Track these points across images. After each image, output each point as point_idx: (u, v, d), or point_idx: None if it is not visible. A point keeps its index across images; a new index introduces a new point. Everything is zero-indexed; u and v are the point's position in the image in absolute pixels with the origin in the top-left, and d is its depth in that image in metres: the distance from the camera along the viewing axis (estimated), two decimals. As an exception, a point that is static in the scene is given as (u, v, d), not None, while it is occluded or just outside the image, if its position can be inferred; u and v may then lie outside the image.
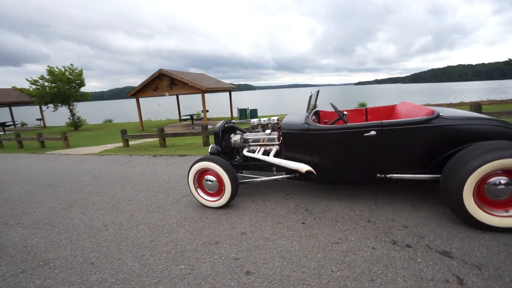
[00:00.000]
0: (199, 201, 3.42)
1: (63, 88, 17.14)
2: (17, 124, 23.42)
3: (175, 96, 20.34)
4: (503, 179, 2.26)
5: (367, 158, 2.76)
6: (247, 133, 3.77)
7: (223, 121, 3.86)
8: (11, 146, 11.69)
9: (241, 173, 3.92)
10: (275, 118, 3.60)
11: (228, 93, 20.29)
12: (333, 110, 3.69)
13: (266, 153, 3.46)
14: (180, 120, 20.69)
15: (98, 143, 11.31)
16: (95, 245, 2.78)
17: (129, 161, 6.68)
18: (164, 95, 16.20)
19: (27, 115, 31.54)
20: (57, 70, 17.40)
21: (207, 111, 21.44)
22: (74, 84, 18.01)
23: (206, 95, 15.78)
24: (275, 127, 3.62)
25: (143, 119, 25.46)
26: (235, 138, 3.60)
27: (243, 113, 18.66)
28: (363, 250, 2.26)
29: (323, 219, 2.82)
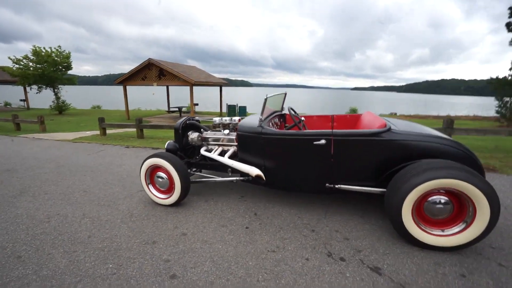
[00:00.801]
0: (150, 198, 3.33)
1: (48, 70, 16.63)
2: (0, 104, 22.67)
3: (170, 87, 20.03)
4: (443, 199, 2.25)
5: (316, 166, 2.71)
6: (208, 131, 3.69)
7: (185, 117, 3.76)
8: (-15, 126, 11.28)
9: (201, 172, 3.84)
10: (237, 118, 3.52)
11: (219, 88, 20.10)
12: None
13: (223, 153, 3.38)
14: (168, 111, 20.40)
15: (78, 129, 11.04)
16: (30, 238, 2.66)
17: (100, 150, 6.50)
18: (152, 85, 15.90)
19: (12, 95, 30.54)
20: (43, 51, 16.87)
21: (197, 104, 21.20)
22: (60, 67, 17.50)
23: (198, 88, 15.56)
24: (235, 127, 3.54)
25: (134, 108, 25.01)
26: (192, 136, 3.51)
27: (232, 109, 18.49)
28: (296, 260, 2.22)
29: (268, 225, 2.77)
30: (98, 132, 9.54)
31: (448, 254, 2.25)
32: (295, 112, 3.46)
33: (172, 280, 2.02)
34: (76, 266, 2.21)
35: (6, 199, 3.60)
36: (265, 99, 2.98)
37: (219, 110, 20.63)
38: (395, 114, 26.38)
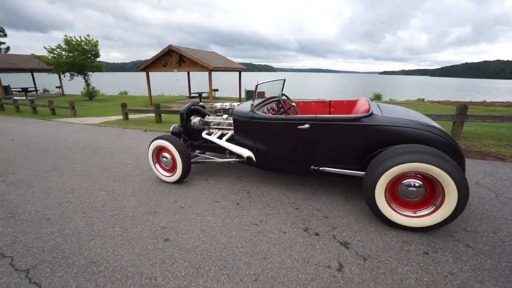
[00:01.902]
0: (157, 175, 3.73)
1: (79, 58, 17.76)
2: (38, 91, 24.68)
3: (193, 73, 20.55)
4: (416, 182, 2.36)
5: (301, 149, 2.90)
6: (210, 116, 3.96)
7: (190, 103, 4.06)
8: (26, 111, 12.52)
9: (204, 153, 4.16)
10: (237, 104, 3.75)
11: (238, 73, 20.24)
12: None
13: (223, 136, 3.66)
14: (189, 97, 21.01)
15: (105, 114, 11.89)
16: (57, 205, 3.17)
17: (120, 133, 7.10)
18: (173, 71, 16.44)
19: (50, 82, 33.00)
20: (74, 40, 17.96)
21: (217, 90, 21.58)
22: (89, 55, 18.57)
23: (219, 74, 15.84)
24: None
25: (158, 94, 26.02)
26: (194, 120, 3.81)
27: (250, 94, 18.62)
28: (274, 233, 2.48)
29: (257, 203, 3.05)
30: (121, 117, 10.25)
31: (418, 234, 2.39)
32: (288, 98, 3.61)
33: (165, 242, 2.39)
34: (91, 228, 2.65)
35: (40, 174, 4.20)
36: (256, 86, 3.16)
37: (238, 96, 20.87)
38: (423, 100, 24.91)
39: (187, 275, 2.00)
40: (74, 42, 17.81)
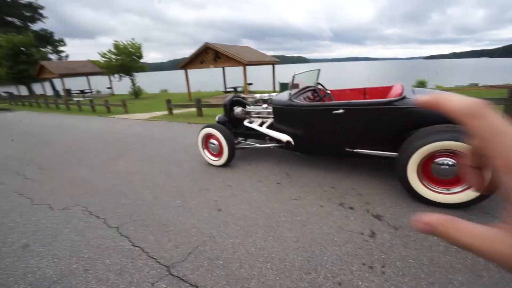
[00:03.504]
0: (205, 160, 4.25)
1: (126, 60, 19.52)
2: (93, 92, 27.66)
3: (227, 68, 21.34)
4: (449, 161, 2.48)
5: (336, 133, 3.14)
6: (251, 106, 4.36)
7: (232, 95, 4.49)
8: (87, 110, 14.30)
9: (246, 140, 4.58)
10: (274, 94, 4.08)
11: (272, 66, 20.45)
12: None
13: (262, 124, 4.03)
14: (225, 92, 21.82)
15: (150, 110, 13.08)
16: (127, 183, 3.85)
17: (168, 126, 7.90)
18: (209, 67, 17.25)
19: (100, 84, 36.62)
20: (121, 44, 19.76)
21: (251, 84, 22.06)
22: (134, 57, 20.29)
23: (253, 68, 16.24)
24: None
25: (195, 90, 27.41)
26: (237, 110, 4.23)
27: (283, 87, 18.74)
28: (312, 206, 2.80)
29: (295, 182, 3.38)
30: (166, 112, 11.22)
31: (451, 210, 2.51)
32: (323, 87, 3.83)
33: (219, 212, 2.85)
34: (158, 200, 3.23)
35: (110, 160, 5.02)
36: (293, 76, 3.45)
37: (272, 89, 21.12)
38: (476, 84, 22.59)
39: (239, 235, 2.43)
40: (121, 46, 19.59)
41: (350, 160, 3.86)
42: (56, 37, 41.02)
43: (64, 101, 15.86)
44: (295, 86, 3.54)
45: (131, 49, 19.97)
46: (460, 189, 2.46)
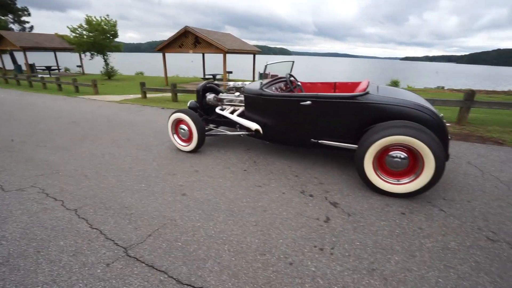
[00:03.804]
0: (175, 145, 4.20)
1: (99, 38, 18.33)
2: (60, 69, 25.72)
3: (208, 55, 20.78)
4: (402, 154, 2.68)
5: (303, 124, 3.25)
6: (224, 93, 4.34)
7: (205, 81, 4.44)
8: (52, 88, 13.32)
9: (218, 127, 4.58)
10: (248, 82, 4.10)
11: (253, 55, 20.27)
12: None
13: (234, 112, 4.04)
14: (204, 78, 21.35)
15: (123, 92, 12.50)
16: (92, 165, 3.72)
17: (140, 110, 7.63)
18: (188, 52, 16.73)
19: (70, 61, 34.10)
20: (94, 20, 18.47)
21: (231, 72, 21.77)
22: (108, 35, 19.10)
23: (235, 56, 15.97)
24: None
25: (173, 75, 26.50)
26: (209, 97, 4.20)
27: (262, 77, 18.76)
28: (274, 193, 2.91)
29: (261, 170, 3.46)
30: (138, 95, 10.80)
31: (400, 199, 2.74)
32: (295, 78, 3.91)
33: (183, 196, 2.87)
34: (121, 184, 3.17)
35: (74, 142, 4.78)
36: (265, 66, 3.48)
37: (252, 78, 21.00)
38: (442, 87, 24.14)
39: (200, 219, 2.47)
40: (94, 22, 18.33)
41: (317, 150, 4.02)
42: (19, 5, 37.30)
43: (26, 77, 14.62)
44: (266, 75, 3.58)
45: (105, 27, 18.75)
46: (407, 180, 2.68)
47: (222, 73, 22.19)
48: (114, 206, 2.69)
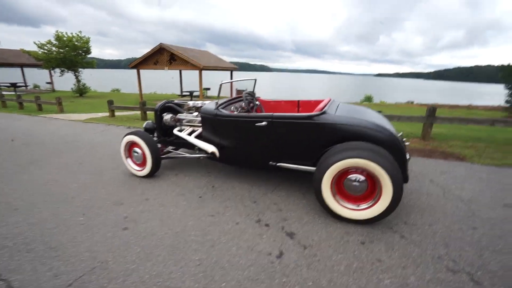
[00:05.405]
0: (129, 170, 3.86)
1: (69, 54, 17.68)
2: (28, 86, 24.42)
3: (188, 72, 20.59)
4: (360, 177, 2.54)
5: (260, 145, 3.06)
6: (183, 113, 4.11)
7: (164, 100, 4.20)
8: (13, 106, 12.47)
9: (177, 149, 4.30)
10: (208, 102, 3.90)
11: (230, 72, 20.36)
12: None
13: (193, 133, 3.80)
14: (181, 95, 21.06)
15: (92, 110, 11.92)
16: (28, 196, 3.28)
17: (104, 129, 7.19)
18: (164, 69, 16.49)
19: (40, 78, 32.64)
20: (65, 36, 17.87)
21: (209, 89, 21.70)
22: (80, 51, 18.50)
23: (214, 73, 15.86)
24: None
25: (151, 91, 25.97)
26: (166, 117, 3.95)
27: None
28: (227, 223, 2.65)
29: (219, 196, 3.21)
30: (108, 114, 10.31)
31: (361, 226, 2.58)
32: (252, 97, 3.78)
33: (124, 230, 2.54)
34: (56, 217, 2.78)
35: (18, 167, 4.29)
36: (220, 85, 3.32)
37: (229, 95, 21.00)
38: (412, 102, 25.45)
39: (137, 259, 2.15)
40: (65, 38, 17.73)
41: (280, 173, 3.84)
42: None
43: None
44: (238, 94, 3.41)
45: (77, 43, 18.17)
46: (366, 206, 2.53)
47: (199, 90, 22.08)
48: (37, 248, 2.31)
